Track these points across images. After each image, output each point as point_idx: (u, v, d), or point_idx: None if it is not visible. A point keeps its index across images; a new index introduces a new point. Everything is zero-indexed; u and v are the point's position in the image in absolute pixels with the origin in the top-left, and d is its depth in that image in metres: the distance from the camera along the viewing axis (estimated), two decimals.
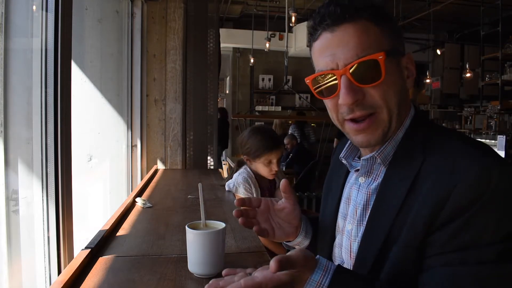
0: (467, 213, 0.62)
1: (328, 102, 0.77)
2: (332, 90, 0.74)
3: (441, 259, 0.64)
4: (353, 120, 0.74)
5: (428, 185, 0.67)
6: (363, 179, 0.82)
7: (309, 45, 0.79)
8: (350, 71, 0.70)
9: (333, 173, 0.97)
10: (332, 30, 0.72)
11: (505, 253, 0.61)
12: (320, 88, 0.76)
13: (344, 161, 0.86)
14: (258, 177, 1.96)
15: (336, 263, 0.68)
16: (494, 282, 0.61)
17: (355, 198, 0.83)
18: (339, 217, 0.89)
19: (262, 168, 1.91)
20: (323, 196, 1.00)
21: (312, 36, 0.76)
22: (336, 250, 0.88)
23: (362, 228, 0.78)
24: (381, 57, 0.69)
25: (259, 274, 0.64)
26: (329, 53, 0.72)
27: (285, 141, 5.98)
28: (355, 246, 0.79)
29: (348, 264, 0.82)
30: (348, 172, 0.90)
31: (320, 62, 0.75)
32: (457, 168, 0.65)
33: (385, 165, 0.77)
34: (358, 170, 0.83)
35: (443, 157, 0.68)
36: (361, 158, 0.80)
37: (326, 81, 0.74)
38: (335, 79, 0.72)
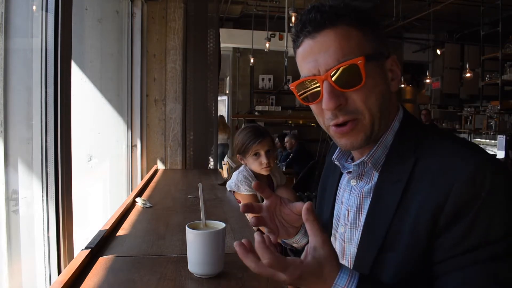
0: (469, 214, 0.63)
1: (313, 108, 0.78)
2: (316, 96, 0.75)
3: (453, 263, 0.65)
4: (336, 125, 0.75)
5: (423, 187, 0.68)
6: (355, 181, 0.83)
7: (294, 52, 0.80)
8: (331, 76, 0.71)
9: (328, 173, 0.97)
10: (313, 37, 0.73)
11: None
12: (304, 94, 0.77)
13: (336, 163, 0.87)
14: (257, 176, 1.97)
15: None
16: (507, 277, 0.62)
17: (347, 200, 0.84)
18: (334, 219, 0.89)
19: (253, 163, 1.91)
20: (318, 195, 1.01)
21: (295, 43, 0.78)
22: None
23: (356, 232, 0.79)
24: (360, 61, 0.69)
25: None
26: (311, 59, 0.73)
27: (285, 140, 5.99)
28: (348, 249, 0.80)
29: None
30: (342, 173, 0.90)
31: (303, 68, 0.76)
32: (451, 169, 0.66)
33: (376, 169, 0.77)
34: (351, 172, 0.83)
35: (435, 158, 0.69)
36: (352, 164, 0.81)
37: (309, 87, 0.76)
38: (318, 85, 0.73)
